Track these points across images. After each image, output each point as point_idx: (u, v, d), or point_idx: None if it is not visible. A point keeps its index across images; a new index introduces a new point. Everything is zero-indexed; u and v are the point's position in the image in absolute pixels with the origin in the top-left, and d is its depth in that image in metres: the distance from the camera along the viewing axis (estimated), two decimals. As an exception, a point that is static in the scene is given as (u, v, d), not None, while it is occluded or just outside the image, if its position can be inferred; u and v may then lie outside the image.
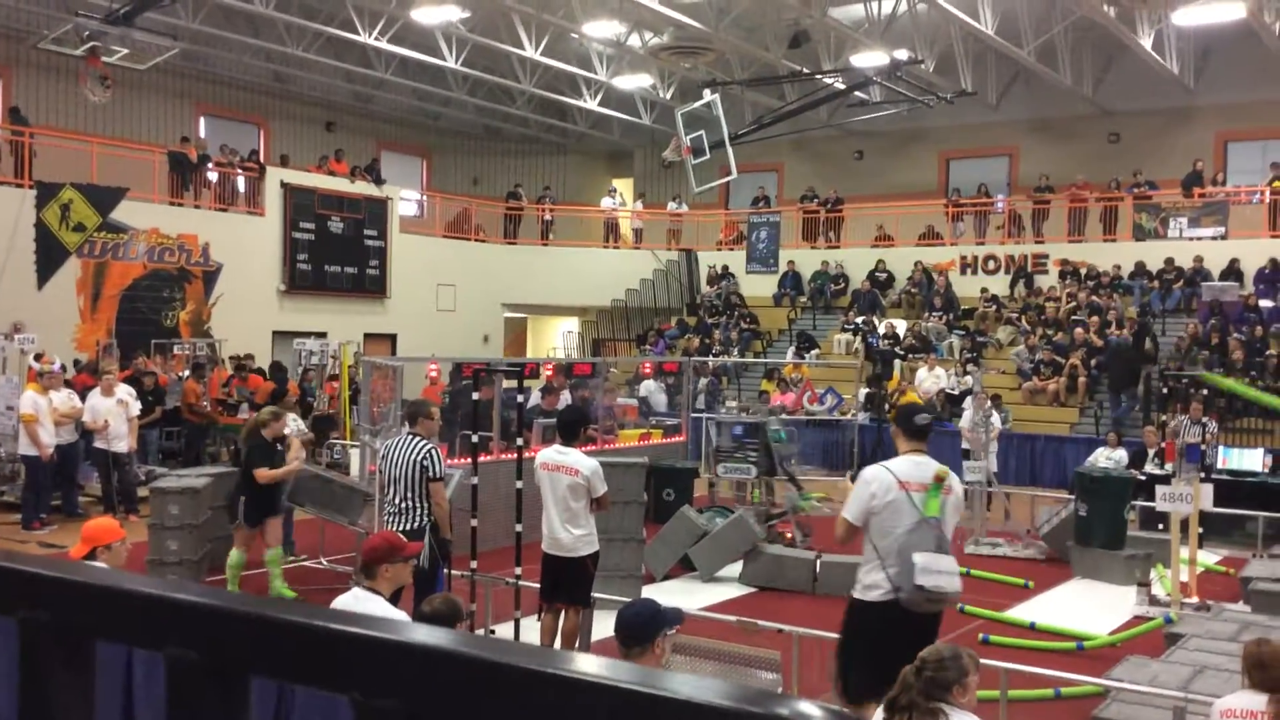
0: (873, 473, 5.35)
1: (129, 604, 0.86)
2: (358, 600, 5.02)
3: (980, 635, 8.28)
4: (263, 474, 8.68)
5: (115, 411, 12.08)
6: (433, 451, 7.09)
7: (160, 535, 9.08)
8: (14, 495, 12.29)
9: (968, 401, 14.39)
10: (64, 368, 12.71)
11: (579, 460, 6.78)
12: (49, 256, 16.86)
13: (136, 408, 12.53)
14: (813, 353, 21.23)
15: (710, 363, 19.78)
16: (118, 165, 18.52)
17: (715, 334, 22.88)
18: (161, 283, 18.77)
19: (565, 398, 12.69)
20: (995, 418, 13.81)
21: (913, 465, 5.26)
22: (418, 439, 7.14)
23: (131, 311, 18.19)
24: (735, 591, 9.65)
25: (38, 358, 12.99)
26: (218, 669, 0.83)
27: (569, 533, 6.68)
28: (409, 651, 0.77)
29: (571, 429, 7.00)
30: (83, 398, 12.32)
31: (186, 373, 15.86)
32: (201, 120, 23.35)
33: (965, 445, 13.35)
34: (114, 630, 0.90)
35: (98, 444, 12.14)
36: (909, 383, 19.10)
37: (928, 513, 5.13)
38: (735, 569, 10.07)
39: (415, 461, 6.99)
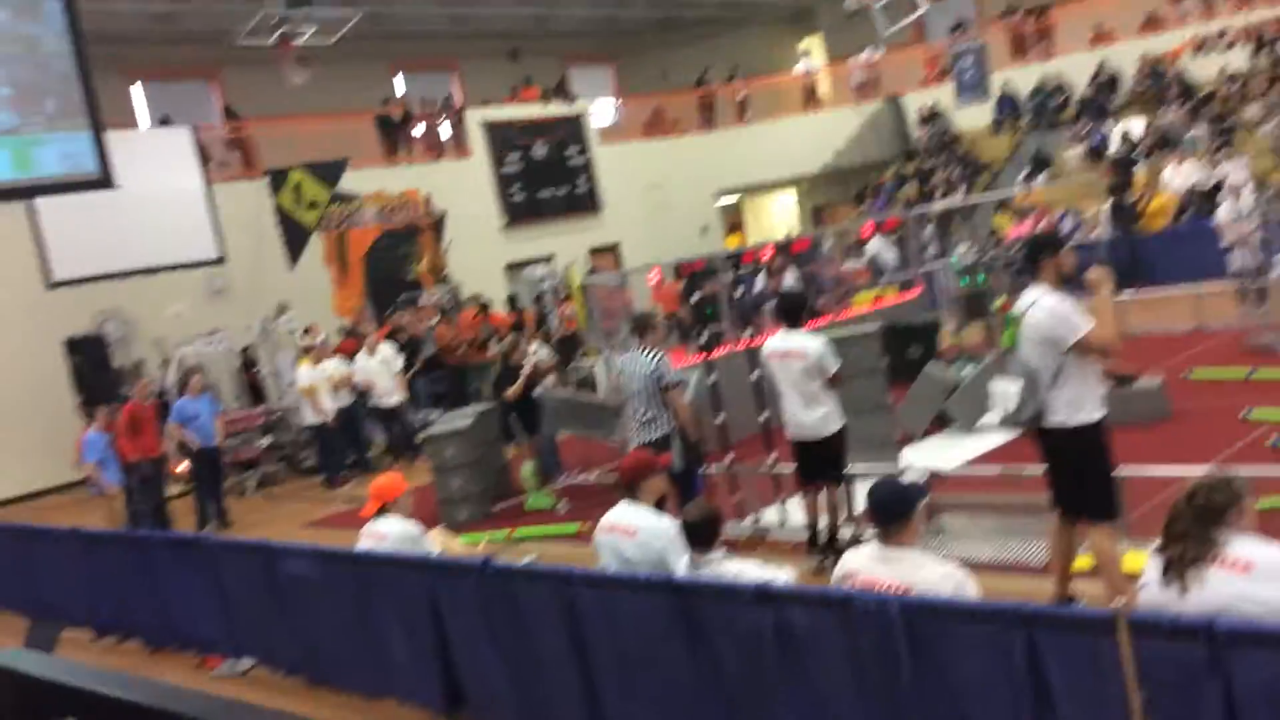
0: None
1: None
2: (625, 512, 5.32)
3: (1270, 440, 7.78)
4: (509, 392, 9.42)
5: (379, 370, 13.02)
6: (662, 360, 7.27)
7: (443, 477, 9.81)
8: (314, 460, 13.54)
9: (1223, 195, 13.26)
10: (327, 339, 13.74)
11: (805, 342, 6.78)
12: (294, 236, 18.15)
13: (399, 364, 13.47)
14: (1043, 174, 20.07)
15: (933, 210, 19.07)
16: (333, 139, 19.56)
17: (935, 177, 21.99)
18: (396, 240, 19.89)
19: (790, 277, 12.61)
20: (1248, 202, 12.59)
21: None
22: (647, 351, 7.33)
23: (376, 272, 19.41)
24: (1000, 438, 9.42)
25: (305, 332, 14.10)
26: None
27: (810, 414, 6.72)
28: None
29: (792, 313, 6.99)
30: (352, 361, 13.33)
31: (436, 320, 16.81)
32: (398, 77, 24.23)
33: (1223, 243, 12.37)
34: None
35: (373, 403, 13.14)
36: (1153, 186, 17.80)
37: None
38: (997, 414, 9.84)
39: (648, 374, 7.20)
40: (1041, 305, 5.29)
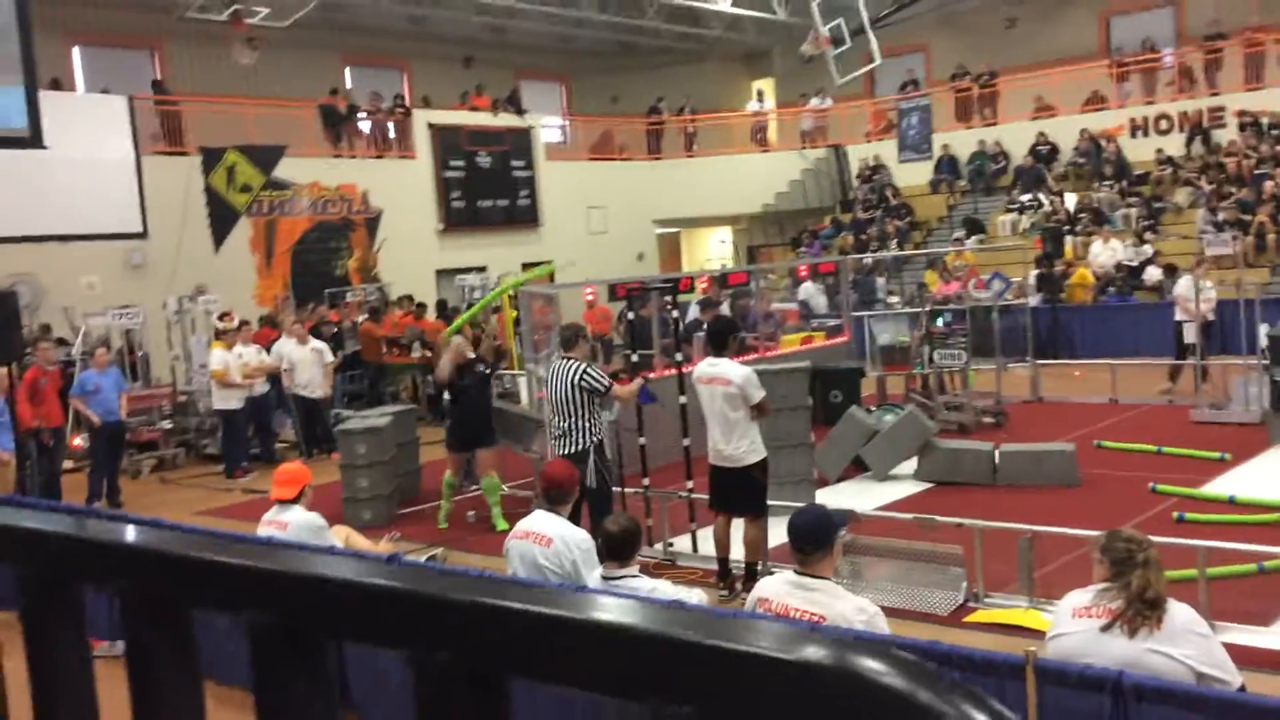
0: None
1: (216, 571, 0.90)
2: (541, 520, 5.22)
3: (1175, 514, 7.97)
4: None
5: (309, 359, 12.73)
6: (588, 370, 7.22)
7: (351, 474, 9.57)
8: (215, 447, 13.14)
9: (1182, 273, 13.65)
10: (245, 324, 13.38)
11: (730, 370, 6.77)
12: (221, 219, 17.70)
13: (330, 357, 13.22)
14: (975, 238, 20.47)
15: (867, 259, 19.34)
16: (273, 124, 19.19)
17: (871, 229, 22.33)
18: (328, 234, 19.54)
19: (724, 309, 12.63)
20: (1207, 286, 12.94)
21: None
22: (572, 361, 7.27)
23: (303, 264, 19.02)
24: (912, 488, 9.52)
25: (221, 317, 13.73)
26: (294, 632, 0.87)
27: (731, 443, 6.69)
28: (476, 609, 0.76)
29: (720, 339, 6.98)
30: (267, 351, 12.99)
31: (362, 318, 16.52)
32: (347, 70, 23.90)
33: (1179, 316, 12.86)
34: (202, 597, 0.94)
35: (297, 391, 12.83)
36: (1081, 258, 18.26)
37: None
38: (910, 465, 9.93)
39: (573, 384, 7.12)
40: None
